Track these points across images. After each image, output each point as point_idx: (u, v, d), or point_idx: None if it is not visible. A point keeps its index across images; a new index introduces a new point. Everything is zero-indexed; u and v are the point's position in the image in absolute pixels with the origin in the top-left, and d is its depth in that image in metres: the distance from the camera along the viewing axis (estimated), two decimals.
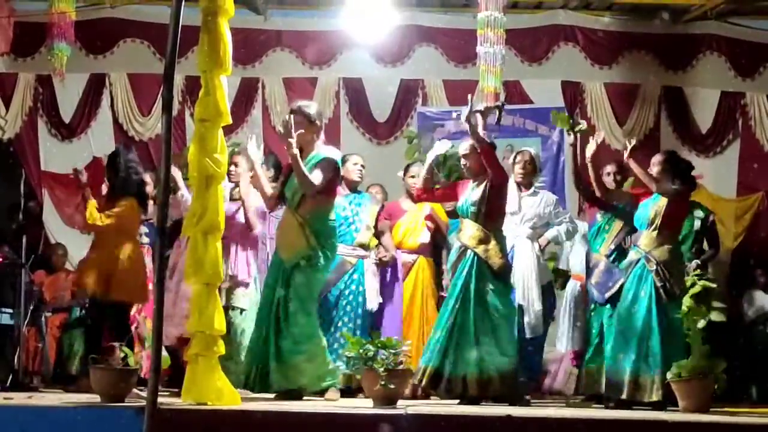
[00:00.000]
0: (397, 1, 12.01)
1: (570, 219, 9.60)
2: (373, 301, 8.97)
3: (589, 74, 13.27)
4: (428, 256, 9.33)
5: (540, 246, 9.24)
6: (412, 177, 9.39)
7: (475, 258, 8.02)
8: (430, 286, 9.22)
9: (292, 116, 7.77)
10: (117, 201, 8.61)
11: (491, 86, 10.57)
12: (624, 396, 7.90)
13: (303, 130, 7.79)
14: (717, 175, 12.60)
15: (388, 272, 9.20)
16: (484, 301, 8.00)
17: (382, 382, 6.70)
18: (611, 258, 8.71)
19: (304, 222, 7.79)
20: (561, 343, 9.88)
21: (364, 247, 8.99)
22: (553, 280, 9.91)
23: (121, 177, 8.65)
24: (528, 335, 8.63)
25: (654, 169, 8.26)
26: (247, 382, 7.72)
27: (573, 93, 13.21)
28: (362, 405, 7.00)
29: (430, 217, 9.30)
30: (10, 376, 9.11)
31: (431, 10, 13.34)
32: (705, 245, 9.88)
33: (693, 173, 8.52)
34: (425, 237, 9.26)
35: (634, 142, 8.67)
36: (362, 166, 9.14)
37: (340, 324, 8.69)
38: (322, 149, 7.96)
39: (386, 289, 9.18)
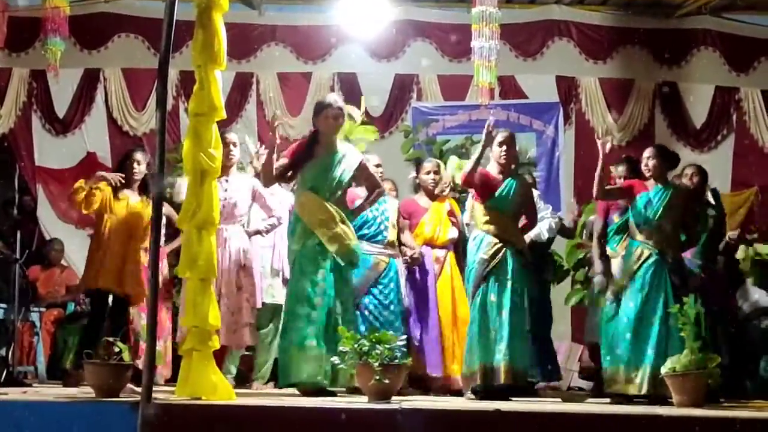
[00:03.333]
0: None
1: (552, 214, 9.62)
2: (405, 299, 9.02)
3: (584, 69, 13.30)
4: (453, 250, 9.30)
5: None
6: (428, 173, 9.35)
7: (515, 253, 8.15)
8: (460, 281, 9.17)
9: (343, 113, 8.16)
10: (142, 197, 8.57)
11: (486, 81, 10.56)
12: (643, 392, 7.90)
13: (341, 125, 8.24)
14: (711, 170, 12.50)
15: (417, 270, 9.20)
16: (528, 295, 8.18)
17: (377, 377, 6.69)
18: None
19: (345, 219, 8.01)
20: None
21: (392, 245, 9.00)
22: (550, 276, 9.95)
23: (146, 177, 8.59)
24: None
25: (650, 163, 8.23)
26: (326, 376, 7.77)
27: (568, 88, 13.24)
28: (357, 400, 7.00)
29: (451, 213, 9.26)
30: (4, 372, 9.09)
31: (425, 5, 13.36)
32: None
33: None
34: (454, 232, 9.20)
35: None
36: (380, 166, 9.25)
37: (384, 324, 8.54)
38: (347, 147, 8.28)
39: (417, 287, 9.18)
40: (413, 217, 9.26)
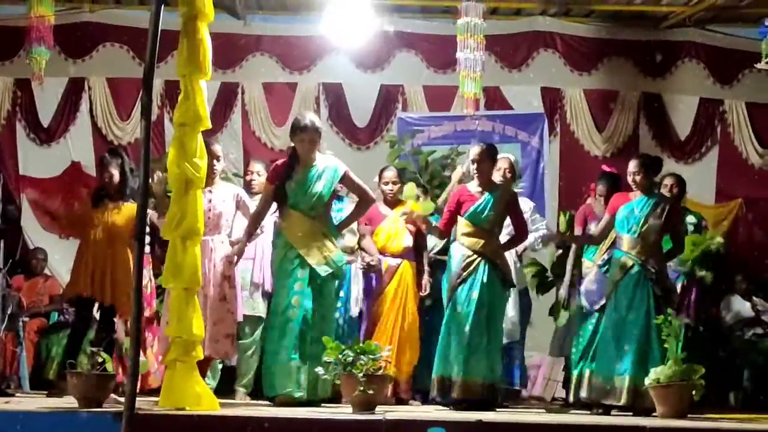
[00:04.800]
0: (378, 6, 12.01)
1: (546, 226, 9.66)
2: (354, 308, 8.99)
3: (569, 80, 13.29)
4: (411, 259, 9.27)
5: (517, 252, 9.26)
6: (386, 183, 9.34)
7: (489, 267, 8.14)
8: (412, 290, 9.16)
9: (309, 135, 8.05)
10: (123, 203, 8.57)
11: (471, 92, 10.58)
12: (622, 402, 7.90)
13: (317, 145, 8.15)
14: (695, 182, 12.62)
15: (373, 277, 9.19)
16: (496, 309, 8.18)
17: (361, 388, 6.70)
18: (603, 268, 8.68)
19: (328, 232, 8.03)
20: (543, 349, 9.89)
21: (350, 251, 9.00)
22: (533, 286, 9.95)
23: (127, 179, 8.61)
24: (504, 341, 8.67)
25: (636, 179, 8.25)
26: (299, 388, 7.71)
27: (553, 99, 13.23)
28: (341, 411, 7.00)
29: (409, 216, 9.24)
30: None
31: (411, 16, 13.34)
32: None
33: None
34: (408, 241, 9.19)
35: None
36: None
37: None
38: (326, 159, 8.22)
39: (371, 294, 9.15)
40: (372, 223, 9.24)
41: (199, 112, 6.67)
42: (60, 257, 11.86)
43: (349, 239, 9.01)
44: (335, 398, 8.12)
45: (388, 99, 13.23)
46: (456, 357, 7.99)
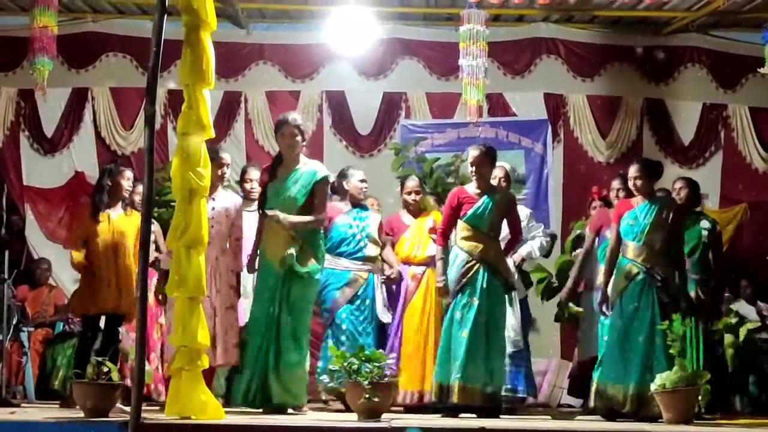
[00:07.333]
0: (380, 14, 12.02)
1: (543, 233, 9.63)
2: (384, 314, 9.03)
3: (572, 86, 13.30)
4: (434, 267, 9.30)
5: (515, 262, 9.24)
6: (409, 193, 9.38)
7: (489, 272, 8.13)
8: (438, 298, 9.19)
9: (290, 130, 7.93)
10: (130, 211, 8.64)
11: (474, 99, 10.58)
12: (627, 410, 7.86)
13: (298, 143, 7.96)
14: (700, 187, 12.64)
15: (394, 287, 9.24)
16: (497, 315, 8.15)
17: (367, 395, 6.69)
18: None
19: (300, 238, 7.82)
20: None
21: (373, 260, 9.02)
22: (538, 292, 9.93)
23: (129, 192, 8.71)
24: (510, 349, 8.64)
25: (637, 183, 8.22)
26: (247, 398, 7.72)
27: (556, 105, 13.23)
28: (346, 418, 6.99)
29: (433, 230, 9.26)
30: None
31: (413, 23, 13.36)
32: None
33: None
34: (432, 249, 9.21)
35: None
36: (365, 181, 9.24)
37: (359, 338, 8.68)
38: (310, 164, 8.06)
39: (393, 304, 9.20)
40: (396, 233, 9.30)
41: (202, 121, 6.68)
42: (64, 267, 11.85)
43: (371, 249, 9.03)
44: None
45: (391, 106, 13.24)
46: (454, 362, 7.97)
